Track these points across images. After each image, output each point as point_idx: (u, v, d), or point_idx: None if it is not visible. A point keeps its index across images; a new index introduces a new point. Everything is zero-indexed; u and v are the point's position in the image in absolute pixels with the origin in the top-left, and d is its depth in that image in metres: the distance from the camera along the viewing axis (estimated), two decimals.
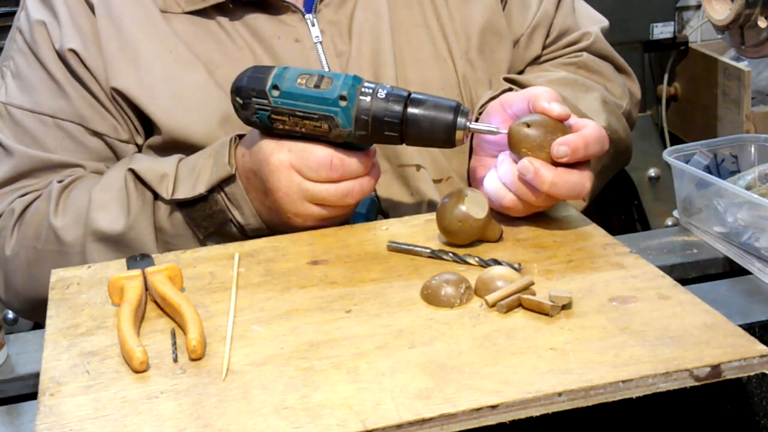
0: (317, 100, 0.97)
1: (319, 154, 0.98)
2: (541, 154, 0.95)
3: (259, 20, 1.16)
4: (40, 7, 1.18)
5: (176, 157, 1.10)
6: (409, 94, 0.97)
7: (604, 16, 1.35)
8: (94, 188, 1.11)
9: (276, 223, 1.04)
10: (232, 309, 0.88)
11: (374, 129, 0.97)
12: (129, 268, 0.95)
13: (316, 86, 0.97)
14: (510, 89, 1.14)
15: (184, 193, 1.05)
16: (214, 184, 1.04)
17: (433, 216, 1.02)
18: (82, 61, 1.14)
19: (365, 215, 1.10)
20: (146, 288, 0.91)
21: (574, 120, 0.98)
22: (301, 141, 0.99)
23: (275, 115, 0.98)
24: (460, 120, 0.96)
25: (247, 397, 0.74)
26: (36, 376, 0.82)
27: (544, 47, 1.28)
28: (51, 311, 0.91)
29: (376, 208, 1.13)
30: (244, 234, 1.07)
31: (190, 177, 1.06)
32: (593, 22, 1.32)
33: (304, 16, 1.17)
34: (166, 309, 0.89)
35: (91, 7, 1.15)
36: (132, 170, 1.09)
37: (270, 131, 1.00)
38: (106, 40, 1.14)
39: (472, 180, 1.11)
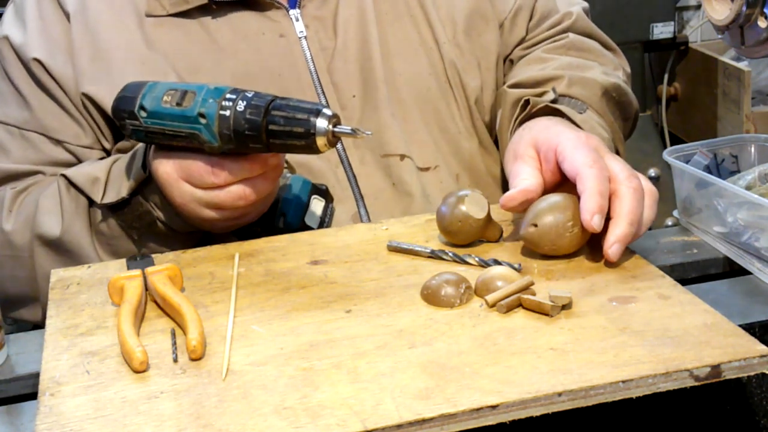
0: (180, 118, 0.95)
1: (199, 163, 0.97)
2: (561, 240, 0.93)
3: (243, 17, 1.17)
4: (11, 20, 1.21)
5: (112, 158, 1.11)
6: (271, 102, 0.93)
7: (604, 16, 1.36)
8: (42, 194, 1.13)
9: (195, 223, 1.05)
10: (232, 309, 0.88)
11: (239, 142, 0.94)
12: (129, 268, 0.95)
13: (178, 104, 0.96)
14: (526, 102, 1.13)
15: (110, 197, 1.07)
16: (133, 188, 1.05)
17: (433, 216, 1.03)
18: (46, 70, 1.16)
19: (294, 201, 1.07)
20: (146, 288, 0.91)
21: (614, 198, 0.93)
22: (185, 151, 0.98)
23: (149, 134, 0.98)
24: (320, 125, 0.91)
25: (247, 397, 0.74)
26: (36, 376, 0.82)
27: (527, 30, 1.29)
28: (51, 311, 0.91)
29: (309, 190, 1.09)
30: (176, 233, 1.08)
31: (117, 181, 1.07)
32: (573, 4, 1.33)
33: (288, 12, 1.19)
34: (166, 309, 0.89)
35: (67, 16, 1.17)
36: (64, 176, 1.10)
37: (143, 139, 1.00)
38: (79, 48, 1.16)
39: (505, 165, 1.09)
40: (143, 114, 0.97)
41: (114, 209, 1.08)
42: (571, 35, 1.28)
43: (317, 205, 1.09)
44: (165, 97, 0.97)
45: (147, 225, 1.07)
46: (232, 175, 0.97)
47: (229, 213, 1.00)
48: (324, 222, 1.08)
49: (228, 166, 0.96)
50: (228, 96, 0.94)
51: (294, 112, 0.92)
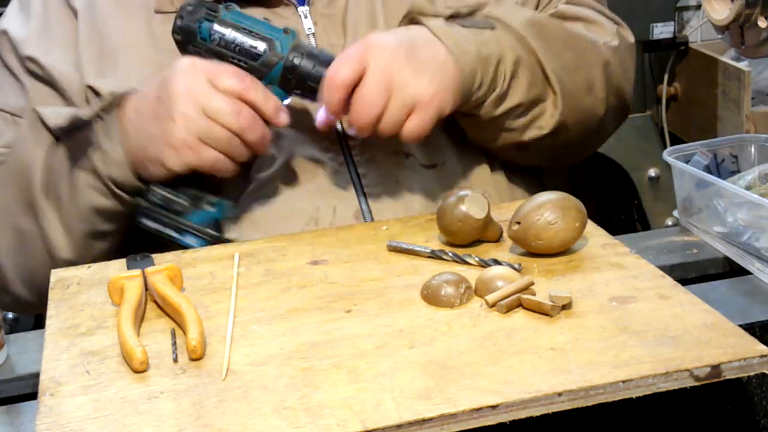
0: (263, 24, 1.05)
1: (233, 68, 1.03)
2: (546, 234, 0.93)
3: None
4: (14, 14, 1.22)
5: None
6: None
7: None
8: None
9: (144, 156, 1.04)
10: (232, 309, 0.88)
11: (302, 70, 1.03)
12: (129, 268, 0.95)
13: (265, 19, 1.07)
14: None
15: (61, 120, 1.08)
16: (96, 113, 1.06)
17: (433, 216, 1.03)
18: (41, 66, 1.16)
19: (209, 216, 1.09)
20: (146, 288, 0.91)
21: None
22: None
23: (219, 26, 1.03)
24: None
25: (247, 397, 0.74)
26: (36, 376, 0.82)
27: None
28: (51, 311, 0.91)
29: (224, 210, 1.10)
30: (102, 184, 1.07)
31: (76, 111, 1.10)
32: None
33: (297, 9, 1.19)
34: (166, 309, 0.89)
35: (75, 13, 1.18)
36: (35, 110, 1.11)
37: (198, 49, 1.04)
38: (86, 44, 1.16)
39: None
40: (226, 9, 1.04)
41: (64, 138, 1.08)
42: (560, 5, 1.26)
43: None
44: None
45: (85, 147, 1.07)
46: (255, 88, 1.02)
47: (210, 127, 1.01)
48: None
49: (255, 80, 1.02)
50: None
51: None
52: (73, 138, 1.08)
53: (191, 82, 1.01)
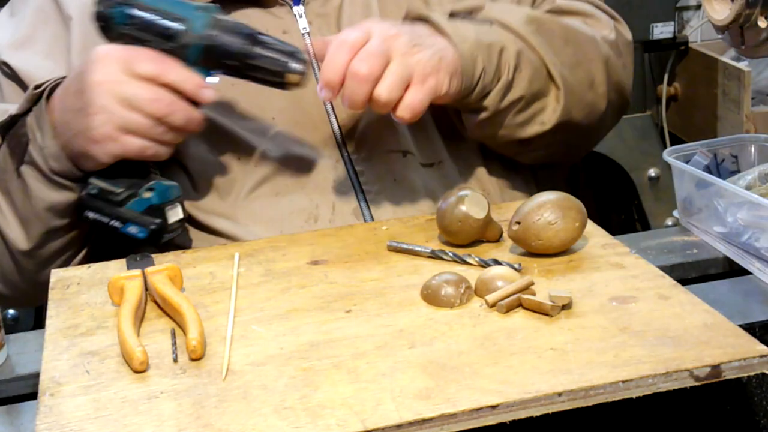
0: (179, 4, 1.02)
1: (148, 51, 1.00)
2: (546, 234, 0.94)
3: (247, 14, 1.18)
4: (2, 20, 1.22)
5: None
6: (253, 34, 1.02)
7: None
8: None
9: (74, 150, 1.04)
10: (232, 309, 0.88)
11: (223, 48, 1.01)
12: (129, 268, 0.95)
13: None
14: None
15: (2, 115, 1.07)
16: (23, 109, 1.06)
17: (433, 216, 1.03)
18: (14, 72, 1.16)
19: (149, 203, 1.06)
20: (146, 288, 0.91)
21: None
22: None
23: (135, 9, 1.01)
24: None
25: (247, 397, 0.74)
26: (36, 376, 0.82)
27: None
28: (51, 311, 0.91)
29: (166, 194, 1.07)
30: (43, 176, 1.06)
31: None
32: None
33: (292, 8, 1.19)
34: (166, 309, 0.89)
35: (67, 21, 1.17)
36: None
37: (118, 35, 1.03)
38: (78, 51, 1.15)
39: None
40: None
41: (6, 136, 1.08)
42: (558, 0, 1.26)
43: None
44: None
45: (24, 146, 1.06)
46: (170, 69, 0.99)
47: (129, 116, 1.00)
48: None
49: (173, 60, 1.00)
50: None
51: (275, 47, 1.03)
52: (13, 135, 1.07)
53: (106, 71, 1.00)
